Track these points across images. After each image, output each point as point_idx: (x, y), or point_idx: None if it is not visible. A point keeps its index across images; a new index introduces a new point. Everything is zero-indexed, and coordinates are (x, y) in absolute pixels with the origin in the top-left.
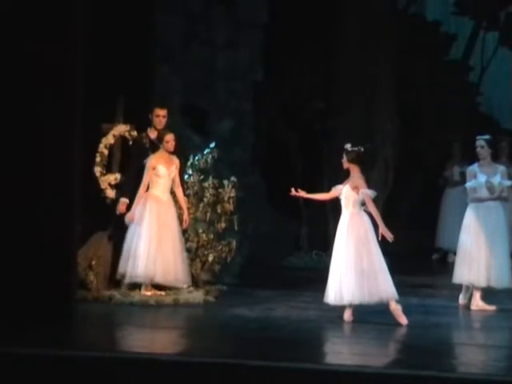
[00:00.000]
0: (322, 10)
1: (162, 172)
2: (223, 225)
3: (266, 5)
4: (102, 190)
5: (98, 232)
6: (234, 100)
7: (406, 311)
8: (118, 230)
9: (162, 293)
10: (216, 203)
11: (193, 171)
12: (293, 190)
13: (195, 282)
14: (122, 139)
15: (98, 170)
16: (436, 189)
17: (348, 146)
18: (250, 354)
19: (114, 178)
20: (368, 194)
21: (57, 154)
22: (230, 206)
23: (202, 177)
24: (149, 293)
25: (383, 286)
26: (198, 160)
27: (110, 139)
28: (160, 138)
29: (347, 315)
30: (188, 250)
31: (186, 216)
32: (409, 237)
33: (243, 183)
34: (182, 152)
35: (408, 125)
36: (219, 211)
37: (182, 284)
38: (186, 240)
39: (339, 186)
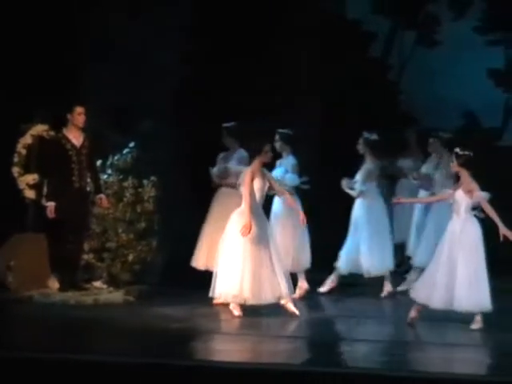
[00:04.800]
0: (246, 11)
1: (256, 186)
2: (143, 224)
3: (191, 4)
4: (21, 191)
5: (16, 233)
6: (156, 99)
7: None
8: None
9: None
10: (136, 203)
11: (112, 171)
12: (396, 198)
13: (115, 282)
14: (40, 139)
15: (16, 170)
16: None
17: (458, 150)
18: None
19: (33, 178)
20: (483, 196)
21: None
22: (149, 206)
23: (121, 176)
24: (236, 312)
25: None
26: (117, 159)
27: (27, 139)
28: (258, 149)
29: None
30: (108, 250)
31: (302, 216)
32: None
33: (164, 182)
34: (101, 151)
35: (331, 124)
36: (139, 211)
37: (281, 299)
38: (106, 240)
39: (448, 190)
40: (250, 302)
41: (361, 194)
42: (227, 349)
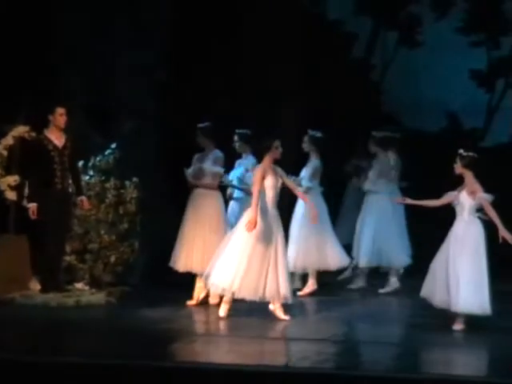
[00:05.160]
0: (226, 10)
1: (269, 183)
2: (125, 226)
3: (169, 4)
4: (2, 192)
5: None
6: (138, 100)
7: None
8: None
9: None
10: (118, 204)
11: (94, 172)
12: (400, 199)
13: (97, 284)
14: (21, 140)
15: None
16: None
17: (462, 151)
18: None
19: (14, 179)
20: (485, 198)
21: None
22: (132, 207)
23: (103, 178)
24: (223, 312)
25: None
26: (99, 161)
27: (9, 140)
28: (268, 145)
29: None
30: (90, 252)
31: (313, 213)
32: None
33: (146, 183)
34: (82, 153)
35: (317, 124)
36: (121, 212)
37: (274, 302)
38: (89, 241)
39: (452, 193)
40: (240, 295)
41: (307, 190)
42: (211, 350)
